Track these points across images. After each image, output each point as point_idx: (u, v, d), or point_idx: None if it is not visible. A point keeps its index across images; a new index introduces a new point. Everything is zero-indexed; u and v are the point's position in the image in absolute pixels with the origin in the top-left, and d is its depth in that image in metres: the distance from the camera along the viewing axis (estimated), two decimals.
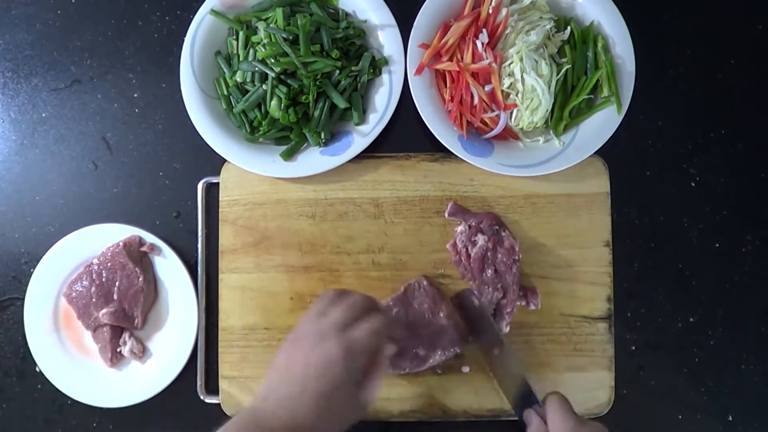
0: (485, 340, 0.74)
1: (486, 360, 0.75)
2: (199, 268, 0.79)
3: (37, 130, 0.83)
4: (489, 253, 0.75)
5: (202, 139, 0.77)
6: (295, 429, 0.58)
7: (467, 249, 0.76)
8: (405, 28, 0.77)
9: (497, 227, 0.76)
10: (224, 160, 0.78)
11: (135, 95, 0.83)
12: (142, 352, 0.79)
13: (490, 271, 0.75)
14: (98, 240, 0.79)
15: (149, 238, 0.79)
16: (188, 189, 0.81)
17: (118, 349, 0.78)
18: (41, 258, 0.79)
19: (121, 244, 0.78)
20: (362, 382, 0.63)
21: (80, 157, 0.83)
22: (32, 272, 0.79)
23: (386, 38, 0.78)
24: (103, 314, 0.77)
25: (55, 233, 0.81)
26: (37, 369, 0.79)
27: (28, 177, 0.83)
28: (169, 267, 0.79)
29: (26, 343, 0.79)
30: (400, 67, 0.77)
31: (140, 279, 0.77)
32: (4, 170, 0.83)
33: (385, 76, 0.78)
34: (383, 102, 0.77)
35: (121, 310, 0.77)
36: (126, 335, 0.79)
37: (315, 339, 0.61)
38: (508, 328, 0.76)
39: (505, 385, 0.74)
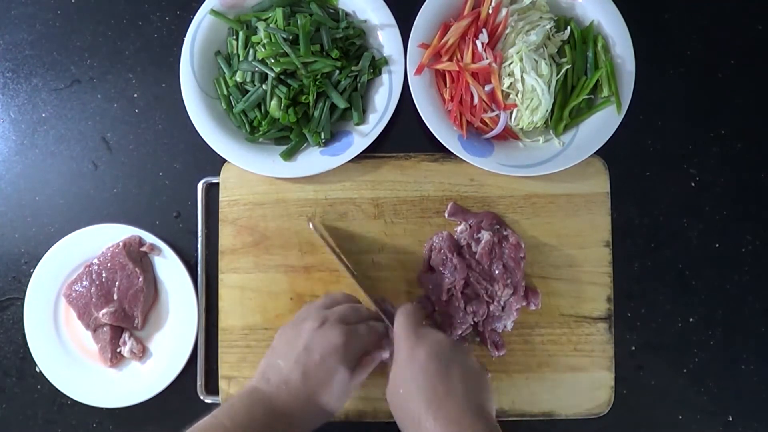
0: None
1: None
2: (199, 268, 0.79)
3: (37, 130, 0.83)
4: (495, 248, 0.75)
5: (202, 139, 0.77)
6: (292, 414, 0.63)
7: (470, 247, 0.76)
8: (405, 27, 0.77)
9: (498, 226, 0.76)
10: (224, 160, 0.78)
11: (135, 95, 0.83)
12: (142, 353, 0.79)
13: (498, 266, 0.75)
14: (98, 240, 0.79)
15: (149, 238, 0.79)
16: (188, 189, 0.81)
17: (118, 350, 0.78)
18: (41, 258, 0.79)
19: (121, 244, 0.78)
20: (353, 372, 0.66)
21: (80, 157, 0.83)
22: (32, 272, 0.79)
23: (386, 38, 0.78)
24: (103, 314, 0.77)
25: (55, 233, 0.81)
26: (37, 369, 0.79)
27: (28, 177, 0.83)
28: (169, 267, 0.79)
29: (26, 343, 0.79)
30: (400, 67, 0.77)
31: (140, 279, 0.77)
32: (4, 170, 0.83)
33: (384, 76, 0.78)
34: (383, 102, 0.77)
35: (121, 310, 0.77)
36: (126, 335, 0.79)
37: (318, 323, 0.65)
38: (512, 326, 0.76)
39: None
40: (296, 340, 0.65)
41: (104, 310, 0.77)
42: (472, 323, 0.75)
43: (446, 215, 0.78)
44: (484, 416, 0.59)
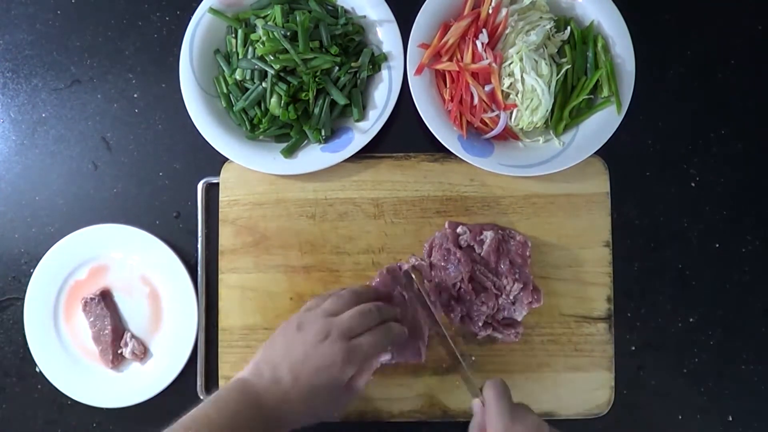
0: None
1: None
2: (199, 268, 0.79)
3: (37, 130, 0.83)
4: (502, 245, 0.75)
5: (202, 139, 0.77)
6: (281, 412, 0.62)
7: (473, 249, 0.76)
8: (405, 26, 0.77)
9: (500, 231, 0.76)
10: (224, 160, 0.78)
11: (135, 95, 0.83)
12: (143, 353, 0.79)
13: (504, 262, 0.75)
14: (98, 240, 0.79)
15: (149, 238, 0.79)
16: (188, 189, 0.81)
17: (120, 351, 0.78)
18: (41, 258, 0.79)
19: None
20: (348, 383, 0.65)
21: (80, 157, 0.82)
22: (32, 272, 0.79)
23: (385, 34, 0.78)
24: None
25: (55, 233, 0.81)
26: (37, 369, 0.79)
27: (28, 177, 0.83)
28: (169, 267, 0.79)
29: (26, 343, 0.79)
30: (399, 63, 0.77)
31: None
32: (4, 170, 0.83)
33: (384, 72, 0.78)
34: (383, 98, 0.77)
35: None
36: (127, 336, 0.78)
37: (320, 336, 0.64)
38: (522, 317, 0.76)
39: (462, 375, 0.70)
40: (295, 346, 0.64)
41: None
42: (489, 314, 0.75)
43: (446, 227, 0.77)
44: None
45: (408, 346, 0.72)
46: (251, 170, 0.77)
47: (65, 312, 0.80)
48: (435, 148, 0.78)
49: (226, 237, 0.79)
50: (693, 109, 0.82)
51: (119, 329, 0.79)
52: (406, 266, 0.75)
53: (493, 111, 0.76)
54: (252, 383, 0.63)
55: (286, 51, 0.74)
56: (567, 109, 0.77)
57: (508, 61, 0.75)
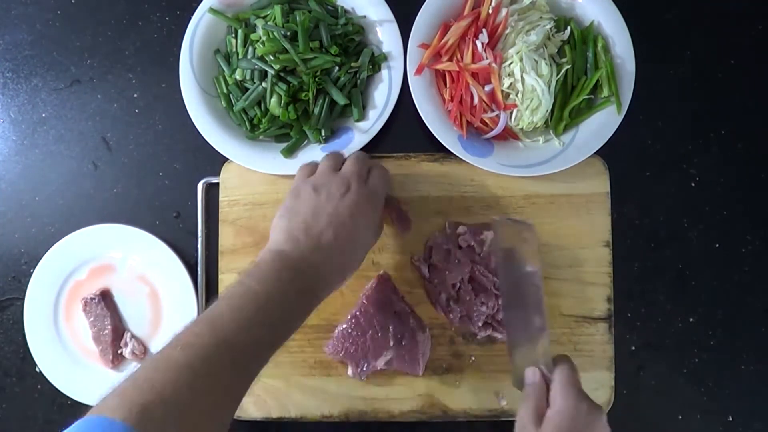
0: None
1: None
2: (199, 268, 0.79)
3: (37, 130, 0.83)
4: None
5: (202, 139, 0.77)
6: (318, 277, 0.63)
7: (473, 249, 0.76)
8: (405, 26, 0.77)
9: None
10: (224, 161, 0.78)
11: (135, 95, 0.83)
12: (143, 353, 0.79)
13: None
14: (98, 240, 0.79)
15: (149, 238, 0.79)
16: (188, 189, 0.81)
17: (120, 351, 0.78)
18: (41, 258, 0.79)
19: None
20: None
21: (80, 157, 0.82)
22: (32, 272, 0.79)
23: (385, 34, 0.78)
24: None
25: (55, 233, 0.81)
26: (37, 369, 0.79)
27: (28, 177, 0.83)
28: (169, 267, 0.79)
29: (26, 343, 0.79)
30: (399, 63, 0.77)
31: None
32: (4, 170, 0.83)
33: (384, 72, 0.78)
34: (383, 98, 0.77)
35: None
36: (127, 336, 0.79)
37: (343, 189, 0.66)
38: None
39: (516, 336, 0.69)
40: (322, 205, 0.65)
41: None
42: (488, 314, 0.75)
43: (446, 227, 0.77)
44: None
45: (407, 357, 0.74)
46: (251, 170, 0.77)
47: (65, 312, 0.80)
48: (435, 148, 0.78)
49: (226, 237, 0.79)
50: (693, 109, 0.82)
51: (119, 329, 0.79)
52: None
53: (493, 111, 0.76)
54: (287, 253, 0.63)
55: (286, 51, 0.74)
56: (567, 109, 0.77)
57: (508, 61, 0.75)
